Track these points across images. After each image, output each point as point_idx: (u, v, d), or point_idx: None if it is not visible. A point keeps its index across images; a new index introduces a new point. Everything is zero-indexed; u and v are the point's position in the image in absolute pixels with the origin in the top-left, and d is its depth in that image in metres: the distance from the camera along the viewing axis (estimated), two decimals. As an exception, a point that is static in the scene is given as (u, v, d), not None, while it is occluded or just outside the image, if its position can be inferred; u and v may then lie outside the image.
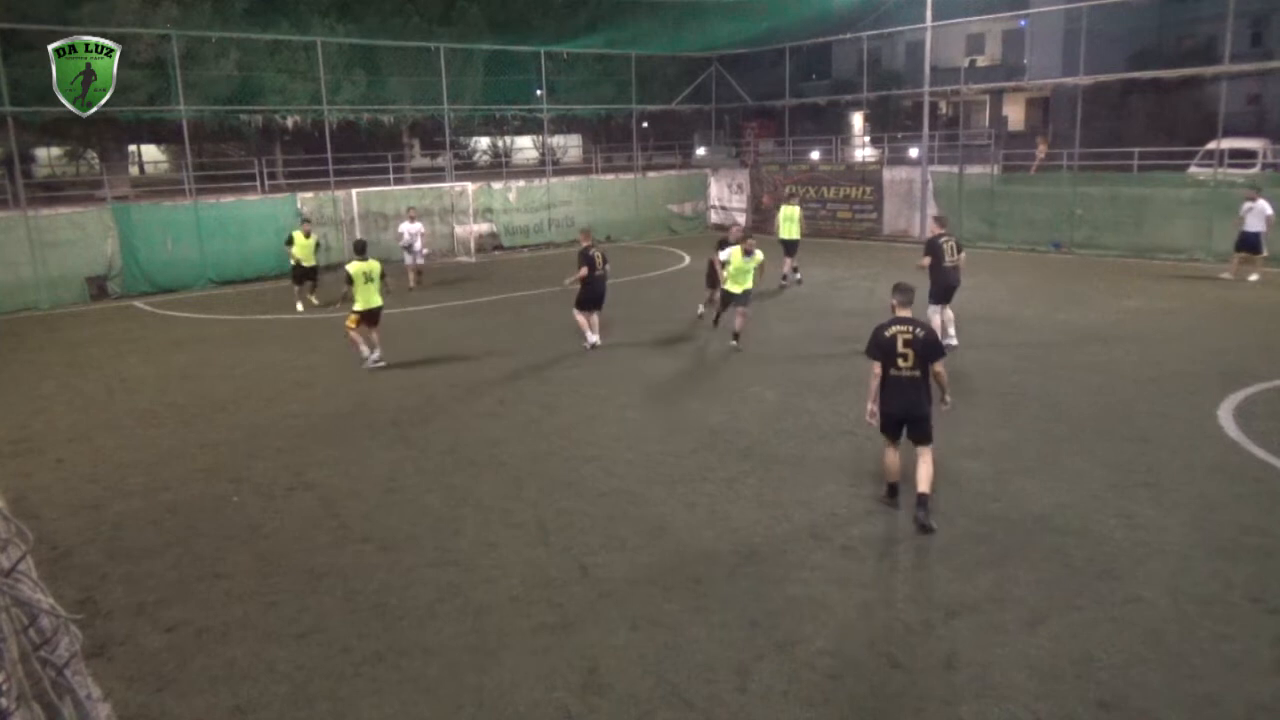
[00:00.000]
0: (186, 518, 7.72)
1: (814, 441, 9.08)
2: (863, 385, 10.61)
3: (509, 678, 5.19)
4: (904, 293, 7.29)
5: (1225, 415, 9.40)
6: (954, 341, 12.32)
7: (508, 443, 9.35)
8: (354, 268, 12.27)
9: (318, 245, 17.91)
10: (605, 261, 13.24)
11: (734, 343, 12.90)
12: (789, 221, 18.64)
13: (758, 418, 9.94)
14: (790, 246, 18.63)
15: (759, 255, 12.69)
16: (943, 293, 12.20)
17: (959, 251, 12.17)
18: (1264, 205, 16.81)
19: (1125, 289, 17.04)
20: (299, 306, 17.56)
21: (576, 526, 7.23)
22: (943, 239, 12.16)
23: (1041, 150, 27.41)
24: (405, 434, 9.77)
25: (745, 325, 13.00)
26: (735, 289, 12.70)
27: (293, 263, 17.72)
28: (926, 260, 12.19)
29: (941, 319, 12.23)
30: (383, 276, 12.45)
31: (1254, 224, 16.93)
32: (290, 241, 17.56)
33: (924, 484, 7.02)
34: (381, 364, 12.59)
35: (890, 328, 7.11)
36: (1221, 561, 6.32)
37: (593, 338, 13.23)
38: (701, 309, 14.99)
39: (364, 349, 12.52)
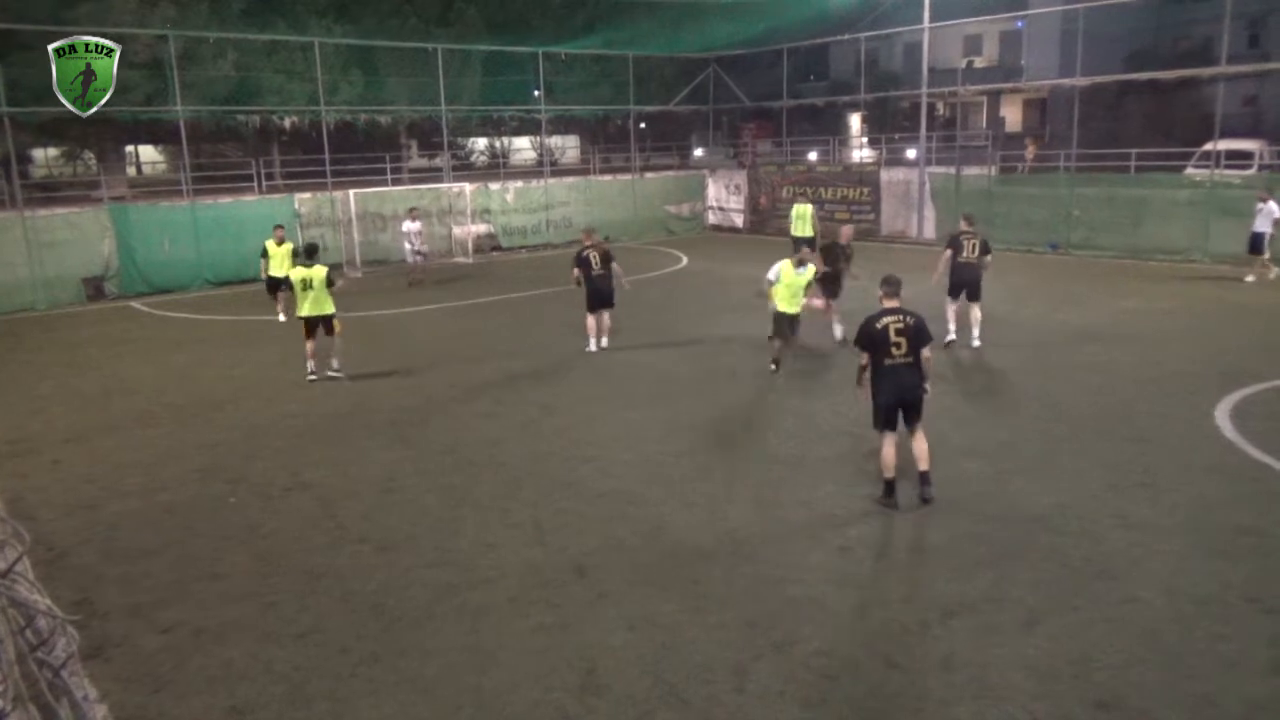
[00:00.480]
0: (184, 518, 7.71)
1: (813, 442, 9.08)
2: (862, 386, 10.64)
3: (507, 678, 5.19)
4: (890, 284, 7.54)
5: (1222, 416, 9.42)
6: (976, 343, 12.56)
7: (506, 443, 9.34)
8: (294, 274, 11.79)
9: (295, 252, 17.30)
10: (606, 261, 12.76)
11: (774, 368, 11.66)
12: (801, 219, 18.78)
13: (755, 418, 9.94)
14: (807, 245, 18.71)
15: (812, 269, 11.35)
16: (955, 288, 12.55)
17: (984, 252, 12.45)
18: (1273, 207, 16.84)
19: (1123, 289, 17.06)
20: (281, 318, 16.32)
21: (574, 527, 7.22)
22: (964, 236, 12.52)
23: (1030, 151, 27.49)
24: (403, 434, 9.76)
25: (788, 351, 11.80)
26: (792, 310, 11.25)
27: (264, 277, 16.60)
28: (947, 253, 12.59)
29: (970, 319, 12.58)
30: (330, 285, 11.65)
31: (1261, 225, 16.97)
32: (265, 254, 16.26)
33: (923, 462, 7.39)
34: (339, 375, 11.96)
35: (881, 319, 7.29)
36: (1219, 562, 6.33)
37: (592, 344, 13.01)
38: (841, 331, 12.93)
39: (309, 363, 11.91)
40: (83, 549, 7.15)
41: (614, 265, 12.85)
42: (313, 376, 11.89)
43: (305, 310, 11.72)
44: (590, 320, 13.02)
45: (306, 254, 12.04)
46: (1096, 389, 10.61)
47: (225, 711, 4.99)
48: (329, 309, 11.77)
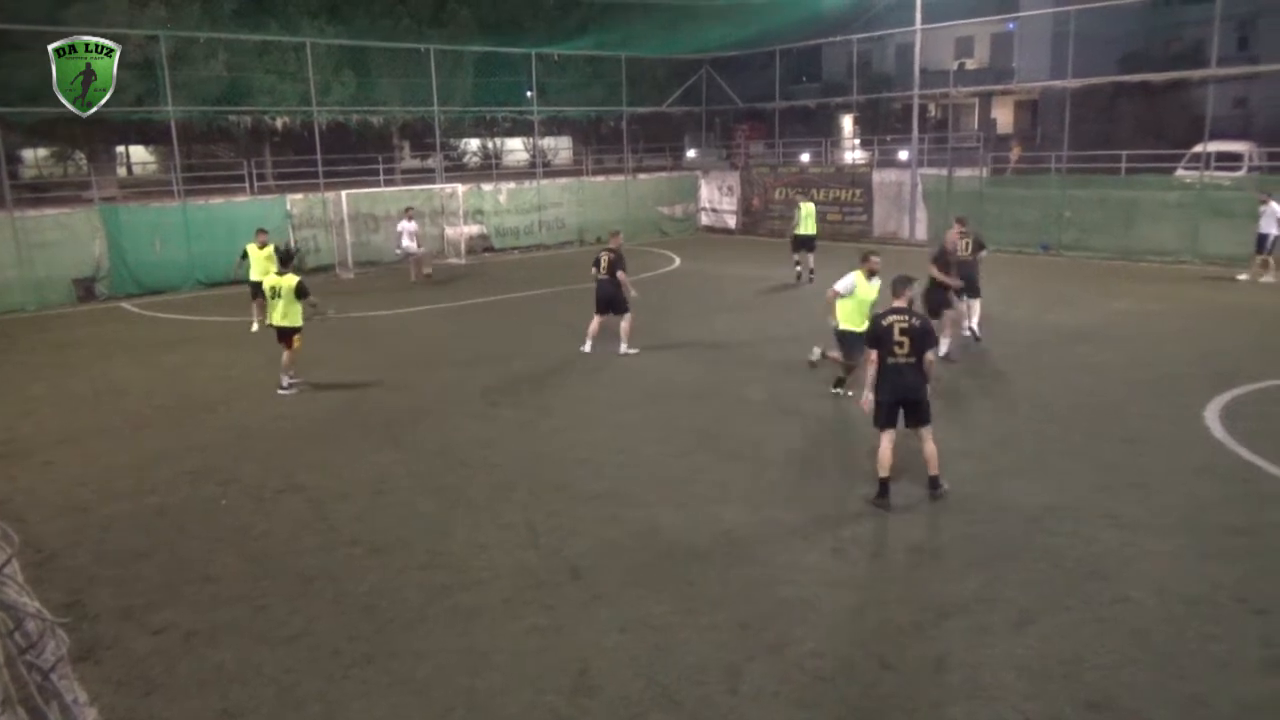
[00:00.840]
0: (175, 520, 7.68)
1: (807, 443, 9.09)
2: (854, 387, 10.64)
3: (499, 680, 5.18)
4: (900, 283, 7.58)
5: (1213, 416, 9.46)
6: (973, 329, 12.76)
7: (499, 445, 9.33)
8: (265, 281, 11.51)
9: (296, 252, 16.93)
10: (610, 267, 12.64)
11: (840, 390, 10.56)
12: (809, 218, 19.01)
13: (750, 420, 9.94)
14: (809, 243, 19.08)
15: (879, 281, 9.93)
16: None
17: (978, 249, 12.70)
18: (1275, 208, 16.94)
19: (1114, 290, 17.12)
20: (255, 326, 15.19)
21: (568, 528, 7.22)
22: (958, 236, 12.72)
23: (1015, 154, 27.61)
24: (395, 436, 9.74)
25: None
26: (856, 328, 9.78)
27: (236, 276, 15.94)
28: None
29: (966, 312, 12.79)
30: (301, 295, 11.16)
31: (1266, 226, 17.08)
32: (245, 256, 15.09)
33: (932, 466, 7.46)
34: (289, 392, 11.43)
35: (887, 317, 7.36)
36: (1210, 562, 6.36)
37: (588, 344, 13.01)
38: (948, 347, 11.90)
39: (287, 373, 11.49)
40: (74, 551, 7.11)
41: (619, 274, 12.69)
42: (286, 387, 11.51)
43: (273, 319, 11.42)
44: (593, 322, 13.03)
45: (281, 262, 11.62)
46: (1088, 390, 10.65)
47: (217, 714, 4.97)
48: (296, 321, 11.33)
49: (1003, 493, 7.70)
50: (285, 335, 11.39)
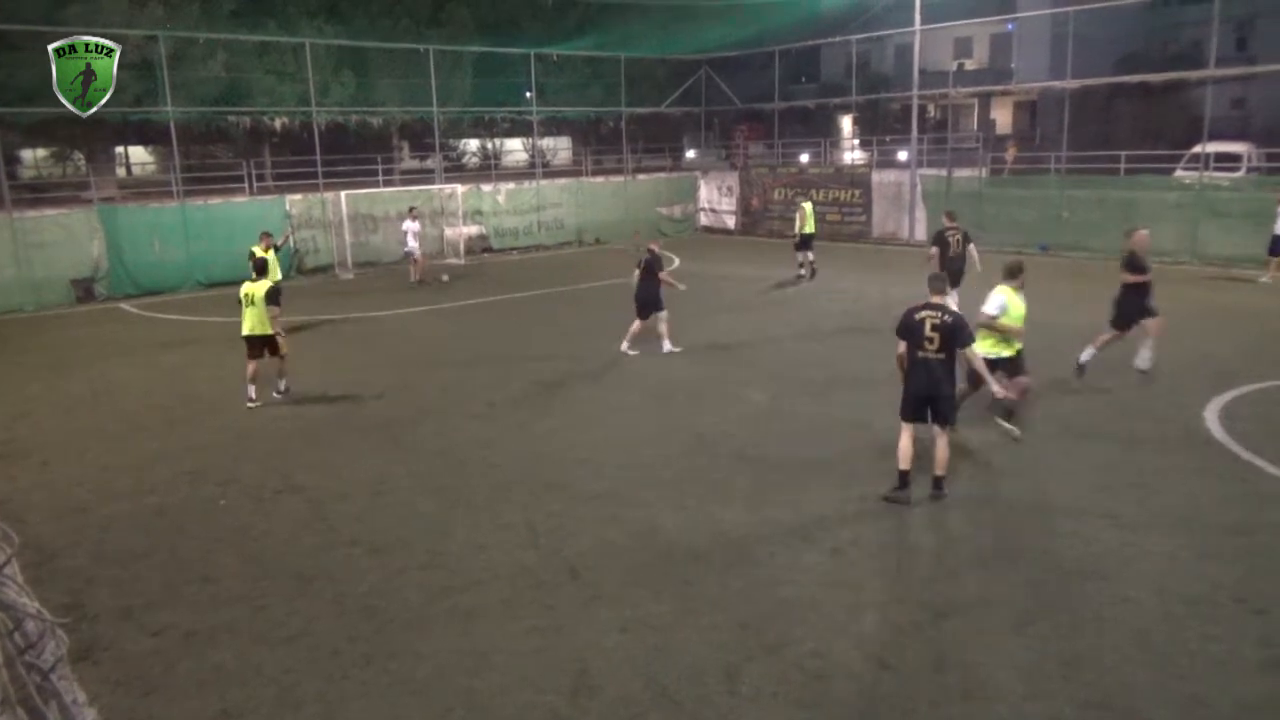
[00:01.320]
0: (174, 521, 7.67)
1: (804, 444, 9.09)
2: (854, 388, 10.66)
3: (499, 680, 5.18)
4: (936, 281, 7.72)
5: (1211, 417, 9.47)
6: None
7: (498, 445, 9.32)
8: (242, 289, 10.89)
9: (294, 253, 16.34)
10: (647, 269, 12.73)
11: (1009, 426, 9.04)
12: (811, 218, 19.29)
13: (748, 420, 9.94)
14: (809, 241, 19.42)
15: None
16: (950, 278, 12.83)
17: (968, 242, 12.93)
18: None
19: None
20: None
21: (567, 529, 7.22)
22: (948, 232, 13.02)
23: (1010, 154, 27.67)
24: (395, 436, 9.73)
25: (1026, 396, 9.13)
26: (1008, 351, 8.76)
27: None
28: (934, 250, 13.06)
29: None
30: (271, 300, 10.62)
31: None
32: (252, 257, 14.64)
33: (940, 467, 7.50)
34: (280, 397, 11.12)
35: (920, 311, 7.42)
36: (1209, 562, 6.36)
37: (624, 345, 13.01)
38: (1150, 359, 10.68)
39: (250, 388, 10.86)
40: (72, 551, 7.11)
41: (661, 274, 12.78)
42: (252, 403, 10.84)
43: (245, 328, 10.78)
44: (635, 323, 13.02)
45: (256, 270, 11.13)
46: (1087, 390, 10.65)
47: (215, 714, 4.97)
48: (268, 329, 10.71)
49: (1001, 493, 7.70)
50: (257, 345, 10.83)
